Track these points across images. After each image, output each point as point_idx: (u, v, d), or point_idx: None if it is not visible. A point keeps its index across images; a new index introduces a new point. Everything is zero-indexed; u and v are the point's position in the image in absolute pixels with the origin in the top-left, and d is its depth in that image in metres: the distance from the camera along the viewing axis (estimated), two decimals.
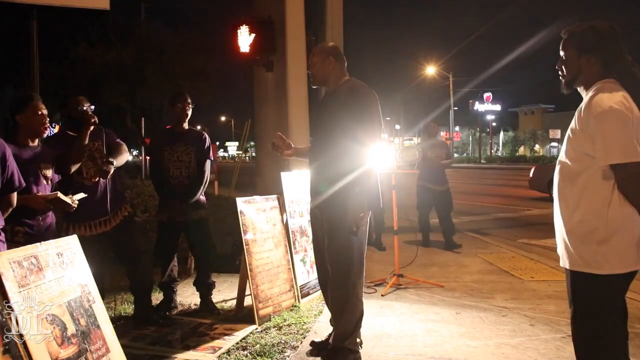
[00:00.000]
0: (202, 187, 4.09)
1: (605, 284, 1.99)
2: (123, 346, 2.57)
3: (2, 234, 2.49)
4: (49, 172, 3.13)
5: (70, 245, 2.48)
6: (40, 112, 3.03)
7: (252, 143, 37.73)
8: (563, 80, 2.16)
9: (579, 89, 2.14)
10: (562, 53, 2.15)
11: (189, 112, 4.14)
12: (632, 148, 1.90)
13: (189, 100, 4.15)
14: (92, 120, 3.39)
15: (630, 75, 2.02)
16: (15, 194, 2.60)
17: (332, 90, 3.20)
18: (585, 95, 2.07)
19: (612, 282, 1.98)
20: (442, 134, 62.04)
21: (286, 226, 4.38)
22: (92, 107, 3.55)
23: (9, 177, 2.48)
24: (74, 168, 3.37)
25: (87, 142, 3.40)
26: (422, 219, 6.89)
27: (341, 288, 3.08)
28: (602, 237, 1.97)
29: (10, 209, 2.61)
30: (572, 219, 2.05)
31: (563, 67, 2.15)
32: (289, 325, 3.75)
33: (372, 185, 3.02)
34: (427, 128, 7.05)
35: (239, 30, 4.93)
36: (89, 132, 3.39)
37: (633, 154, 1.90)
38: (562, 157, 2.11)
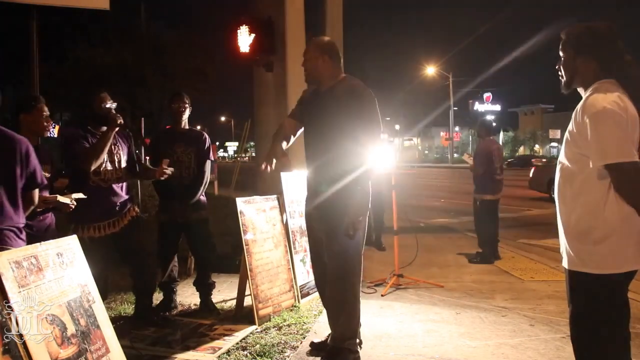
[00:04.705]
0: (202, 188, 4.09)
1: (602, 284, 1.99)
2: (123, 346, 2.57)
3: (24, 232, 2.54)
4: (47, 173, 3.13)
5: (70, 246, 2.48)
6: (45, 115, 3.05)
7: (252, 143, 37.71)
8: (562, 81, 2.18)
9: (578, 89, 2.16)
10: (560, 54, 2.17)
11: (187, 112, 4.13)
12: (625, 148, 1.90)
13: (187, 100, 4.14)
14: (119, 122, 3.40)
15: (627, 75, 2.02)
16: (37, 192, 2.63)
17: (328, 88, 3.13)
18: (584, 96, 2.08)
19: (609, 282, 1.98)
20: (442, 134, 62.09)
21: (286, 226, 4.38)
22: (115, 104, 3.54)
23: (31, 173, 2.53)
24: (94, 165, 3.36)
25: (111, 141, 3.40)
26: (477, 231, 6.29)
27: (340, 288, 3.07)
28: (599, 237, 1.98)
29: (32, 207, 2.63)
30: (570, 219, 2.07)
31: (562, 68, 2.17)
32: (288, 325, 3.75)
33: (369, 187, 3.02)
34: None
35: (239, 31, 4.94)
36: (114, 132, 3.40)
37: (626, 153, 1.90)
38: (561, 158, 2.13)
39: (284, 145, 3.22)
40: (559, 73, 2.18)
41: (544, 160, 40.44)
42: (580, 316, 2.09)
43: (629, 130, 1.94)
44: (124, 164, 3.64)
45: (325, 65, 3.12)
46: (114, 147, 3.56)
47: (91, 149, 3.34)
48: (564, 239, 2.11)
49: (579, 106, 2.04)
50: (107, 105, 3.48)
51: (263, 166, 3.11)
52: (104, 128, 3.44)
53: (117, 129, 3.41)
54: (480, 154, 6.00)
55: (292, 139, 3.31)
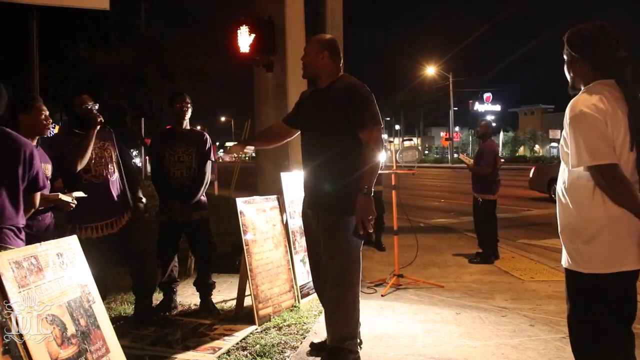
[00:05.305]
0: (202, 188, 4.09)
1: (595, 283, 2.00)
2: (123, 346, 2.57)
3: (23, 232, 2.56)
4: (49, 172, 3.13)
5: (70, 246, 2.48)
6: (44, 114, 3.05)
7: None
8: (569, 82, 2.20)
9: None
10: (563, 56, 2.20)
11: (188, 112, 4.14)
12: (599, 150, 1.91)
13: (188, 100, 4.15)
14: (99, 120, 3.43)
15: (616, 75, 2.03)
16: (38, 195, 2.65)
17: (326, 87, 3.11)
18: None
19: (600, 281, 1.98)
20: (442, 134, 62.08)
21: (286, 226, 4.37)
22: (97, 105, 3.56)
23: (34, 176, 2.55)
24: (80, 166, 3.38)
25: (93, 140, 3.42)
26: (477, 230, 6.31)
27: (340, 288, 3.05)
28: (588, 236, 1.99)
29: (32, 210, 2.65)
30: (563, 219, 2.10)
31: (565, 69, 2.20)
32: (288, 325, 3.75)
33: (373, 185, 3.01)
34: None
35: (239, 30, 4.93)
36: (95, 131, 3.43)
37: (600, 156, 1.91)
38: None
39: (263, 144, 3.53)
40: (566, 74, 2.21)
41: (502, 160, 40.73)
42: (576, 315, 2.09)
43: (607, 132, 1.93)
44: (115, 159, 3.65)
45: (324, 62, 3.09)
46: (103, 144, 3.58)
47: (75, 150, 3.37)
48: (560, 237, 2.14)
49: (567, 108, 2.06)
50: (89, 107, 3.50)
51: (227, 158, 3.28)
52: None
53: (98, 127, 3.44)
54: (488, 154, 6.05)
55: (280, 143, 3.48)
